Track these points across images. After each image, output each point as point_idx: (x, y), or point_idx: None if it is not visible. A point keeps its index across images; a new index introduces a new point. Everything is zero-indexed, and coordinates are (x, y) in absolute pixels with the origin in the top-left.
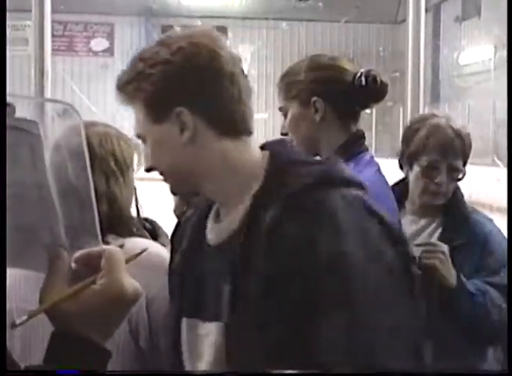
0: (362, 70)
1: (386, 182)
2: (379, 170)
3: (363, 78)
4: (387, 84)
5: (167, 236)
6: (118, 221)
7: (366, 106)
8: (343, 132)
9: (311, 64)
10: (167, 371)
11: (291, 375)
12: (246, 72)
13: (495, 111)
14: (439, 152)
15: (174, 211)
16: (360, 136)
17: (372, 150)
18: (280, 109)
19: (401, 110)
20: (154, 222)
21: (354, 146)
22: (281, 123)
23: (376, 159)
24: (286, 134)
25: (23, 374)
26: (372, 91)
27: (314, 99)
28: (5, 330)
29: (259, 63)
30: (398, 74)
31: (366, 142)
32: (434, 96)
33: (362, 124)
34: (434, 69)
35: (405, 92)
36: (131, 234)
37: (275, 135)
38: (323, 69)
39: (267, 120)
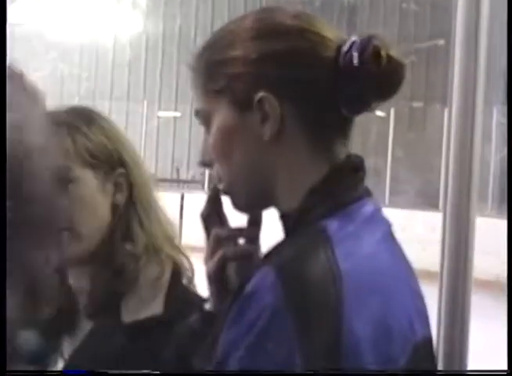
0: (355, 39)
1: (400, 256)
2: (387, 235)
3: (355, 53)
4: (404, 64)
5: None
6: None
7: (362, 105)
8: (319, 160)
9: (256, 27)
10: (168, 371)
11: (291, 375)
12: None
13: None
14: None
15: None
16: (353, 167)
17: (385, 193)
18: (197, 113)
19: (445, 114)
20: None
21: (341, 188)
22: (200, 133)
23: (390, 211)
24: (207, 164)
25: (23, 374)
26: (372, 75)
27: (260, 95)
28: (5, 330)
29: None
30: (442, 43)
31: (371, 180)
32: None
33: (363, 143)
34: None
35: (451, 79)
36: None
37: (191, 141)
38: (280, 36)
39: (179, 120)
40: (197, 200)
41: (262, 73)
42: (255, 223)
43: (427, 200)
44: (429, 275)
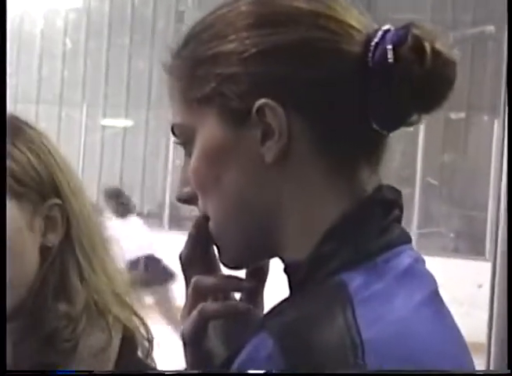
0: (388, 27)
1: (447, 326)
2: (431, 297)
3: (389, 46)
4: (455, 61)
5: None
6: None
7: (399, 118)
8: (339, 193)
9: (256, 11)
10: (168, 371)
11: (290, 375)
12: None
13: None
14: None
15: None
16: (385, 203)
17: (412, 235)
18: (174, 129)
19: (495, 127)
20: None
21: (367, 232)
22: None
23: (431, 260)
24: (187, 199)
25: (23, 374)
26: (413, 77)
27: (260, 102)
28: (5, 330)
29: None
30: (492, 29)
31: (408, 218)
32: None
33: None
34: None
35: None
36: None
37: (146, 161)
38: (288, 23)
39: (131, 131)
40: (154, 242)
41: (264, 73)
42: (258, 272)
43: (471, 246)
44: (474, 348)
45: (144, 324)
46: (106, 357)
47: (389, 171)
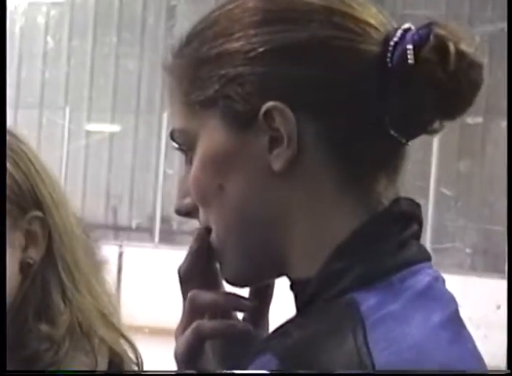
0: (408, 26)
1: (468, 350)
2: (450, 318)
3: (410, 46)
4: (482, 63)
5: None
6: None
7: (420, 124)
8: (353, 205)
9: (264, 7)
10: (168, 371)
11: (291, 375)
12: None
13: None
14: None
15: None
16: (403, 217)
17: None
18: (174, 134)
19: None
20: None
21: (383, 248)
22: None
23: (445, 278)
24: (188, 212)
25: (23, 374)
26: (435, 80)
27: (268, 105)
28: (5, 330)
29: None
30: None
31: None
32: None
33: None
34: None
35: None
36: None
37: (135, 169)
38: (299, 20)
39: (118, 137)
40: (143, 259)
41: (272, 74)
42: (262, 291)
43: (489, 262)
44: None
45: (133, 347)
46: None
47: (400, 181)
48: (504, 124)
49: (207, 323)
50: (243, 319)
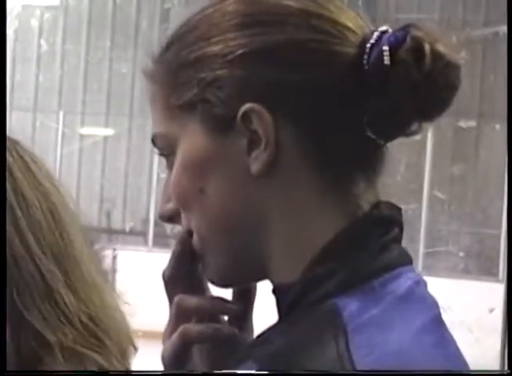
0: (385, 29)
1: (450, 354)
2: (433, 322)
3: (386, 48)
4: (458, 65)
5: None
6: None
7: (398, 126)
8: (332, 209)
9: (243, 11)
10: (167, 371)
11: (292, 375)
12: None
13: None
14: None
15: None
16: (383, 221)
17: (418, 254)
18: (156, 139)
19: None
20: None
21: (363, 252)
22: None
23: (439, 281)
24: (170, 218)
25: (23, 374)
26: (412, 82)
27: (246, 107)
28: (5, 330)
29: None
30: (505, 31)
31: (414, 236)
32: None
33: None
34: None
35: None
36: None
37: (128, 173)
38: (277, 23)
39: (112, 140)
40: (137, 262)
41: (250, 77)
42: (245, 294)
43: (482, 266)
44: None
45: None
46: None
47: (393, 184)
48: (498, 127)
49: (193, 327)
50: (228, 322)
